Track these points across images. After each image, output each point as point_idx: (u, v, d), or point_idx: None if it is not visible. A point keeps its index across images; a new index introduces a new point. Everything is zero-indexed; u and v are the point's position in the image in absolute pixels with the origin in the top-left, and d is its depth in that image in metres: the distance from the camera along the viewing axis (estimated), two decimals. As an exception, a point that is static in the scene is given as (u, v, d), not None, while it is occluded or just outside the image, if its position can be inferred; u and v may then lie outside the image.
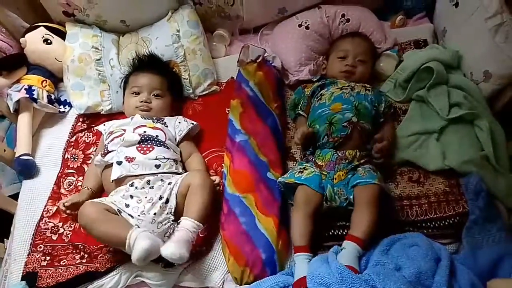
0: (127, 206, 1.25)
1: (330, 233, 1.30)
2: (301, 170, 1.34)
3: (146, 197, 1.27)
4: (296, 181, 1.30)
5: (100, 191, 1.44)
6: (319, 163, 1.35)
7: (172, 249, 1.10)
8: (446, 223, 1.28)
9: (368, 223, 1.19)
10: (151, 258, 1.12)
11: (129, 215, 1.23)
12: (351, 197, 1.25)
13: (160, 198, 1.26)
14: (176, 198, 1.27)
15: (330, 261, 1.13)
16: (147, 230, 1.17)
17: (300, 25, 1.70)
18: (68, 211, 1.34)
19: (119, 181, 1.33)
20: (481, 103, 1.47)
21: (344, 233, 1.28)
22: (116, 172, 1.32)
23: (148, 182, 1.29)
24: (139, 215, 1.23)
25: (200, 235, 1.28)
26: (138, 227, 1.20)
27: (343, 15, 1.70)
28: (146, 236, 1.11)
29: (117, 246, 1.22)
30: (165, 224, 1.24)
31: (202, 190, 1.24)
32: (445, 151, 1.38)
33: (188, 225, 1.18)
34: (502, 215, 1.30)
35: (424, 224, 1.29)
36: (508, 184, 1.33)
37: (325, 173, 1.32)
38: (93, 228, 1.20)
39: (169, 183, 1.29)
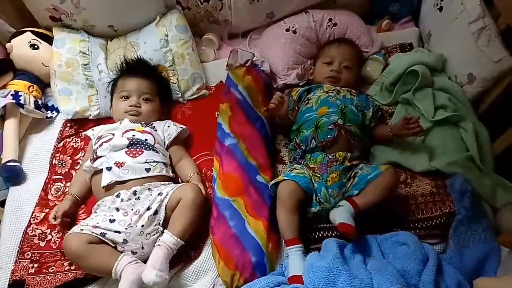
0: (113, 221, 1.24)
1: (320, 235, 1.30)
2: (291, 170, 1.35)
3: (132, 209, 1.26)
4: (285, 178, 1.29)
5: (85, 197, 1.43)
6: (311, 166, 1.35)
7: (153, 278, 1.11)
8: (433, 223, 1.30)
9: (374, 199, 1.24)
10: None
11: (116, 231, 1.22)
12: (356, 192, 1.27)
13: (148, 209, 1.25)
14: (165, 211, 1.26)
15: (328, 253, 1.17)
16: (132, 258, 1.18)
17: (287, 30, 1.71)
18: (58, 221, 1.33)
19: (109, 187, 1.32)
20: (465, 105, 1.49)
21: (333, 234, 1.29)
22: (106, 179, 1.32)
23: (134, 192, 1.28)
24: (126, 228, 1.22)
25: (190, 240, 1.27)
26: (127, 241, 1.21)
27: (330, 20, 1.72)
28: (130, 273, 1.13)
29: (106, 276, 1.23)
30: (153, 235, 1.24)
31: (192, 208, 1.24)
32: (431, 153, 1.40)
33: (169, 241, 1.19)
34: (488, 214, 1.32)
35: (411, 225, 1.30)
36: (493, 184, 1.35)
37: (319, 175, 1.32)
38: (78, 263, 1.21)
39: (159, 194, 1.28)
